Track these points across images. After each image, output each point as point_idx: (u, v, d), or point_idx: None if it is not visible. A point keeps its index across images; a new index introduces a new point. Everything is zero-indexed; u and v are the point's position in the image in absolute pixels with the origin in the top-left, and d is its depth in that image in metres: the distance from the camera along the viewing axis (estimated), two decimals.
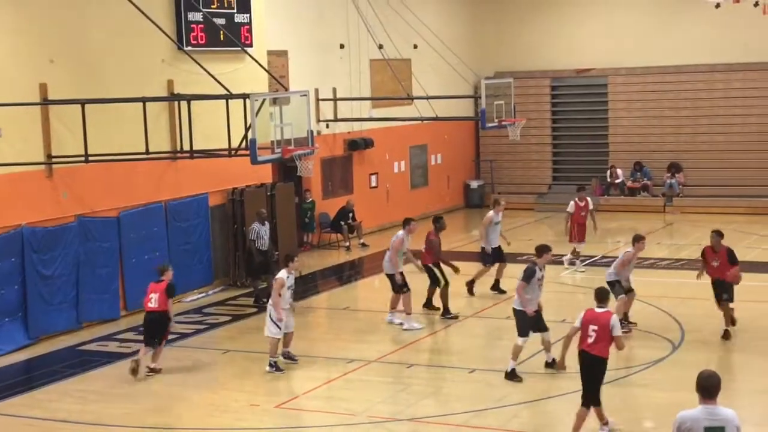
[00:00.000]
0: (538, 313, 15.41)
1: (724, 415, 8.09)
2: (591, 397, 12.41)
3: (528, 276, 15.14)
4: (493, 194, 22.60)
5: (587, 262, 23.81)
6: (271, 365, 16.03)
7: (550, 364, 15.34)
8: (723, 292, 17.14)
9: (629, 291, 17.74)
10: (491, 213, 20.82)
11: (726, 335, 17.06)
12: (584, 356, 12.40)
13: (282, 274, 15.99)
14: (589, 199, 23.79)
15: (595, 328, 12.30)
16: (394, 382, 15.55)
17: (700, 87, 32.82)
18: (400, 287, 18.50)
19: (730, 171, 32.34)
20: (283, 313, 15.82)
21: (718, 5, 29.20)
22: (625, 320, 17.32)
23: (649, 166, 33.10)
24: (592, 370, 12.38)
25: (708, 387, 8.10)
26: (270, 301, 16.09)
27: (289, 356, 16.41)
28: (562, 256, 22.98)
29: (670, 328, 17.88)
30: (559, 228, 29.71)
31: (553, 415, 13.98)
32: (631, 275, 17.89)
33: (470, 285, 20.77)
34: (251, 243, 21.06)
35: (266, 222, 21.16)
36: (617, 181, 33.28)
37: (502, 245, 21.09)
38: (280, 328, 15.91)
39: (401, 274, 18.49)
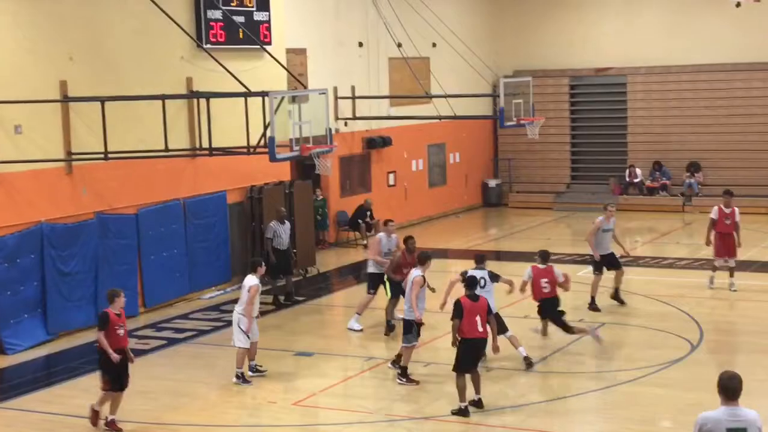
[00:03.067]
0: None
1: (747, 416, 8.00)
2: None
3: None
4: (603, 202, 21.16)
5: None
6: (238, 377, 15.49)
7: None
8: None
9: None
10: (600, 219, 19.45)
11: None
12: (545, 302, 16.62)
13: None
14: (736, 208, 20.52)
15: (547, 280, 16.41)
16: None
17: (719, 86, 32.61)
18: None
19: (749, 171, 32.13)
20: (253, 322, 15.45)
21: (738, 4, 29.07)
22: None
23: (668, 166, 32.97)
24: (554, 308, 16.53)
25: (730, 388, 7.99)
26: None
27: (256, 369, 15.86)
28: (567, 255, 22.78)
29: (688, 328, 17.79)
30: (578, 227, 29.70)
31: (570, 415, 13.93)
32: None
33: (591, 302, 19.21)
34: (268, 242, 21.08)
35: (286, 221, 21.15)
36: (636, 180, 33.17)
37: (617, 253, 19.74)
38: (249, 338, 15.39)
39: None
